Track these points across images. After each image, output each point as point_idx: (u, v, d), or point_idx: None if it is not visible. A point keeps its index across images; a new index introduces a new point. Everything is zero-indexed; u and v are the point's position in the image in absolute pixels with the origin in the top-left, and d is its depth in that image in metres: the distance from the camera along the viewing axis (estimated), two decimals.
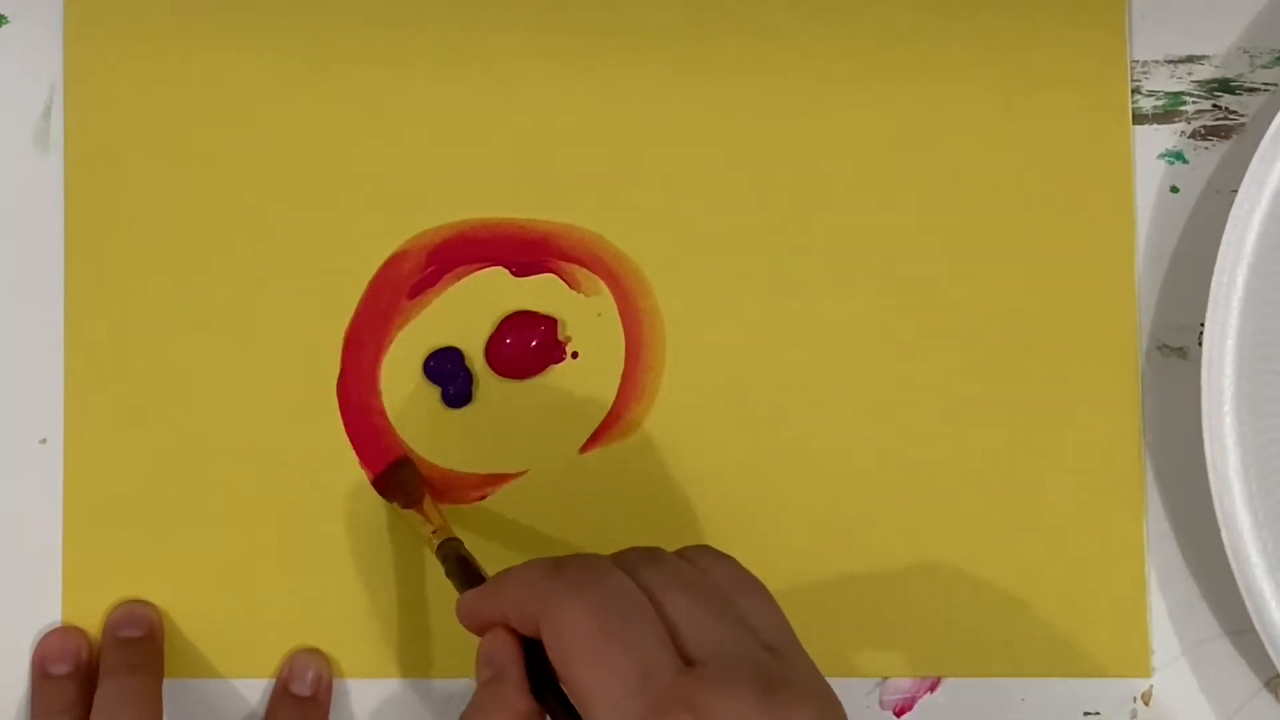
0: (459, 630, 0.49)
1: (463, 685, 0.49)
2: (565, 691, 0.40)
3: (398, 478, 0.49)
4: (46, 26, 0.50)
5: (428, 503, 0.48)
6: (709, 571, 0.41)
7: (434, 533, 0.47)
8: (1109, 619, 0.50)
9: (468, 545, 0.47)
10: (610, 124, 0.50)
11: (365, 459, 0.49)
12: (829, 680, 0.39)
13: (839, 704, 0.39)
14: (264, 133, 0.50)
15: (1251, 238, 0.48)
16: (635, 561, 0.41)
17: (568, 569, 0.40)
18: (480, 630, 0.43)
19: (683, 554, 0.42)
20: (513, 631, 0.41)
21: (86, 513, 0.49)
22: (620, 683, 0.38)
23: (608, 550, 0.42)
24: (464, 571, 0.45)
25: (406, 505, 0.48)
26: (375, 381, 0.50)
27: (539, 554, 0.49)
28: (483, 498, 0.50)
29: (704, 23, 0.50)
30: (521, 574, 0.42)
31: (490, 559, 0.48)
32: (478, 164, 0.50)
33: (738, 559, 0.42)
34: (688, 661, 0.38)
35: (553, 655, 0.39)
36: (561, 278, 0.50)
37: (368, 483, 0.49)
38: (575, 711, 0.39)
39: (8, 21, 0.50)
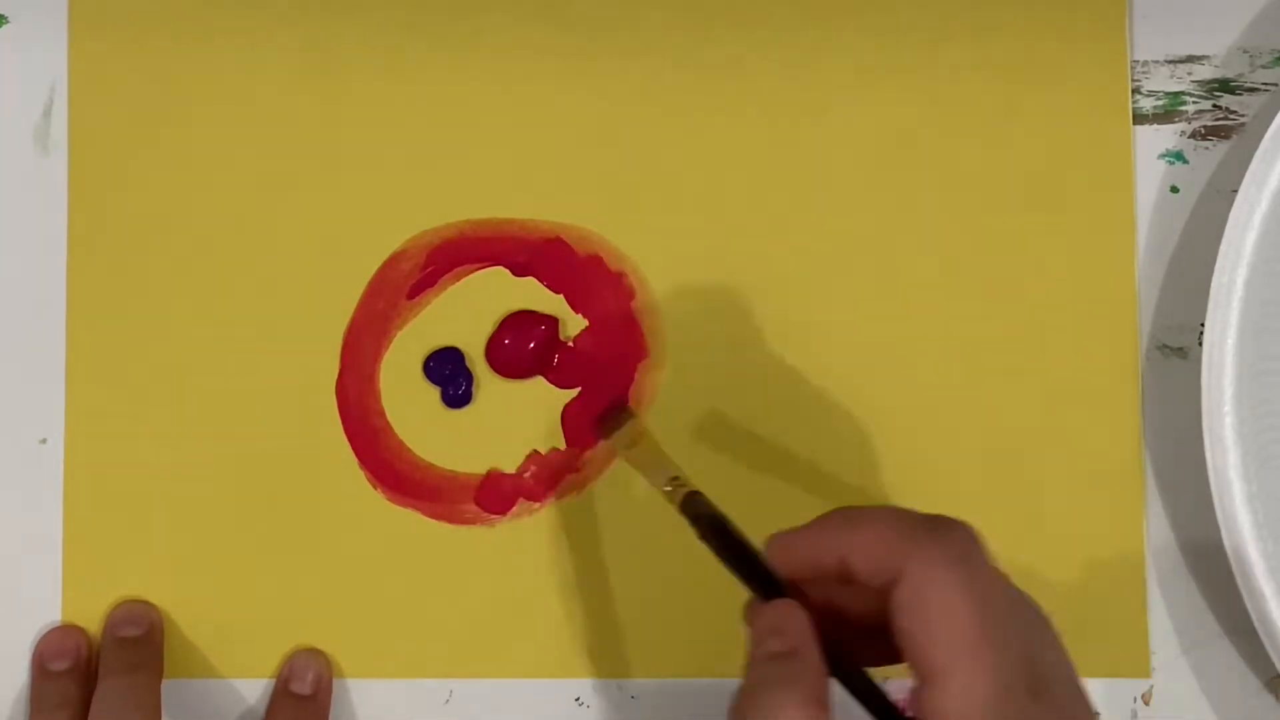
0: (460, 629, 0.49)
1: (463, 685, 0.49)
2: (902, 649, 0.37)
3: (616, 420, 0.48)
4: (47, 26, 0.50)
5: (649, 443, 0.46)
6: (1033, 600, 0.40)
7: (672, 482, 0.45)
8: (1109, 619, 0.50)
9: (468, 551, 0.46)
10: (610, 124, 0.50)
11: (365, 459, 0.49)
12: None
13: None
14: (265, 133, 0.50)
15: (1251, 238, 0.48)
16: (985, 550, 0.39)
17: (944, 536, 0.38)
18: (797, 567, 0.40)
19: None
20: (810, 609, 0.39)
21: (86, 513, 0.49)
22: (984, 688, 0.36)
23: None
24: (720, 537, 0.42)
25: (627, 445, 0.47)
26: (375, 381, 0.50)
27: (542, 551, 0.50)
28: (480, 499, 0.50)
29: (703, 22, 0.50)
30: (885, 517, 0.39)
31: (495, 559, 0.47)
32: (478, 164, 0.50)
33: None
34: (1033, 688, 0.37)
35: (908, 621, 0.37)
36: None
37: (368, 483, 0.49)
38: (875, 691, 0.38)
39: (8, 21, 0.50)
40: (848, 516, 0.40)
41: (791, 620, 0.39)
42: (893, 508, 0.40)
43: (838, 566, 0.39)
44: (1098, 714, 0.40)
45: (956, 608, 0.37)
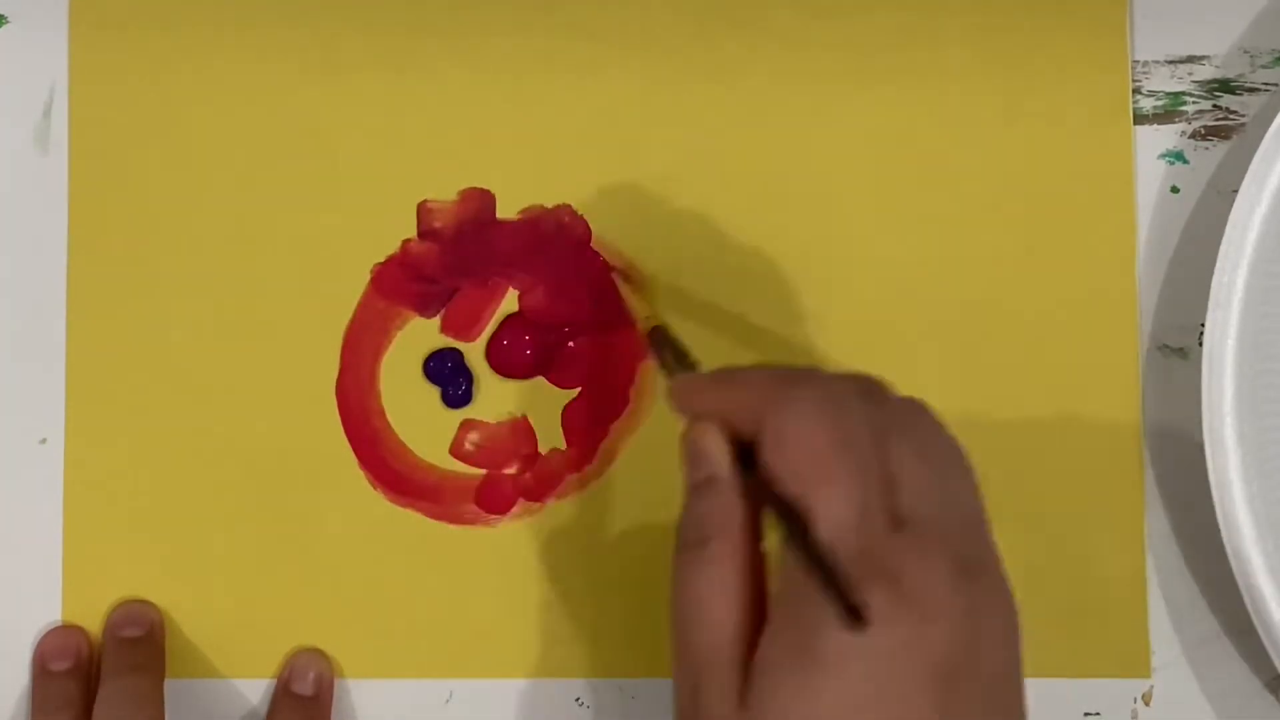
0: (460, 629, 0.49)
1: (463, 685, 0.49)
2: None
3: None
4: (47, 26, 0.50)
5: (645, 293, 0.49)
6: (934, 435, 0.39)
7: (644, 319, 0.48)
8: (1109, 619, 0.50)
9: (468, 551, 0.46)
10: (611, 125, 0.50)
11: (365, 459, 0.49)
12: None
13: (1016, 612, 0.37)
14: (266, 133, 0.50)
15: (1251, 238, 0.48)
16: (868, 393, 0.39)
17: (806, 380, 0.38)
18: (690, 415, 0.41)
19: (908, 405, 0.40)
20: (725, 429, 0.39)
21: (86, 513, 0.49)
22: (843, 507, 0.36)
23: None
24: (675, 357, 0.44)
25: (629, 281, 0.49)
26: (375, 381, 0.50)
27: (542, 551, 0.50)
28: (480, 499, 0.50)
29: (705, 25, 0.50)
30: (754, 373, 0.40)
31: (495, 560, 0.47)
32: (478, 164, 0.50)
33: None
34: (897, 518, 0.36)
35: (774, 460, 0.37)
36: None
37: (368, 483, 0.49)
38: (793, 513, 0.37)
39: (8, 21, 0.50)
40: (723, 373, 0.41)
41: (711, 446, 0.39)
42: (762, 365, 0.41)
43: (718, 422, 0.39)
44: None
45: (812, 436, 0.36)
